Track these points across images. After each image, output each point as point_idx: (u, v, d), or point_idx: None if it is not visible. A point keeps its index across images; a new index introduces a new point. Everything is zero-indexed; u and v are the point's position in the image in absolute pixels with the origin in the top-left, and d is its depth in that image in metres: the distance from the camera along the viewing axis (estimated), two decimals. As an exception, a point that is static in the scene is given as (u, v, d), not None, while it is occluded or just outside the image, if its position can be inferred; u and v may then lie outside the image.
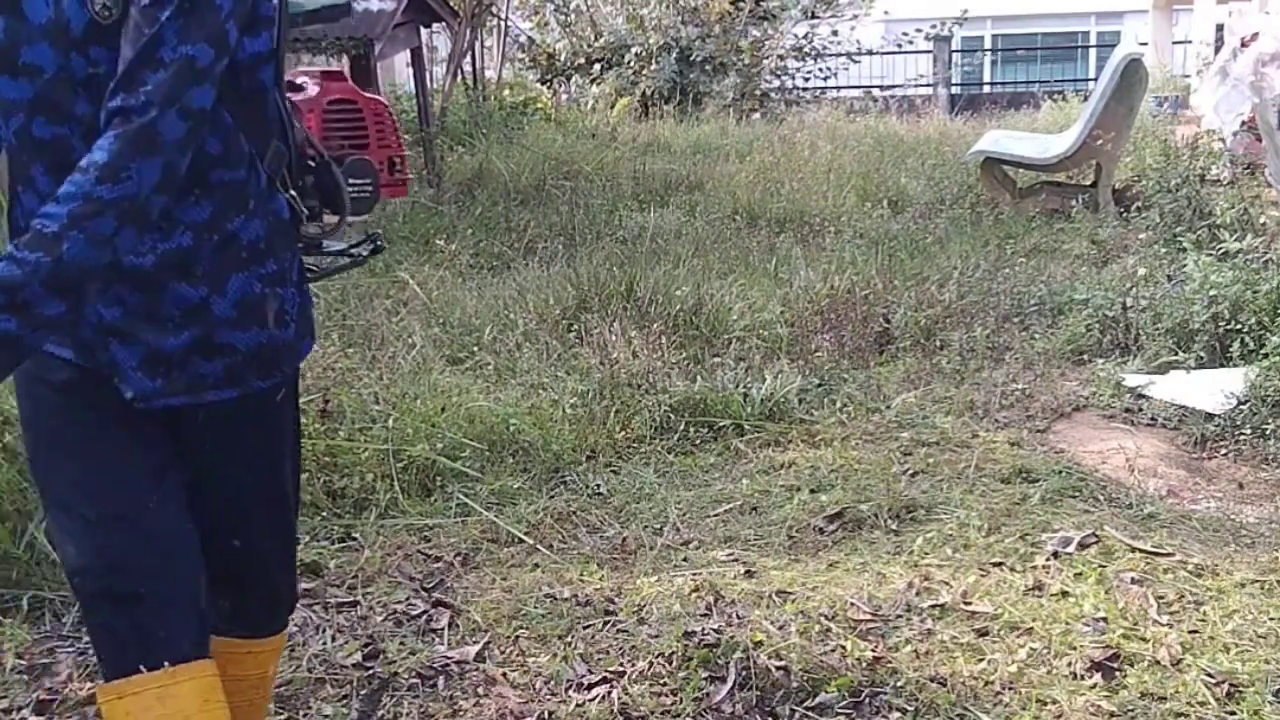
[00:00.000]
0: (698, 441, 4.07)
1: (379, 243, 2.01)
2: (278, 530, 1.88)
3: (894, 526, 3.31)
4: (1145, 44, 14.03)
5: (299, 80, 1.90)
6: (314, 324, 1.85)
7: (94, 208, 1.42)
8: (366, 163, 2.00)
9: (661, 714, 2.41)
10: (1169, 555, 2.99)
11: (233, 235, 1.64)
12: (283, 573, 1.91)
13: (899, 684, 2.46)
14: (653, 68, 14.12)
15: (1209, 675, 2.44)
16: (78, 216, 1.42)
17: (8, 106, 1.57)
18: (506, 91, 13.44)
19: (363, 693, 2.53)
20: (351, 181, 1.90)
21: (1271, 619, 2.66)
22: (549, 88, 15.22)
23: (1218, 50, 10.55)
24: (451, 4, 11.12)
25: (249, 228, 1.66)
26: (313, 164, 1.84)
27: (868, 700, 2.43)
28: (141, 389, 1.63)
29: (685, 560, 3.17)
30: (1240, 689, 2.39)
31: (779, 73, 15.02)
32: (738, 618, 2.73)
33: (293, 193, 1.75)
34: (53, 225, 1.41)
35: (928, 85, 17.24)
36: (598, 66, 14.99)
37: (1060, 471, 3.64)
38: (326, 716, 2.44)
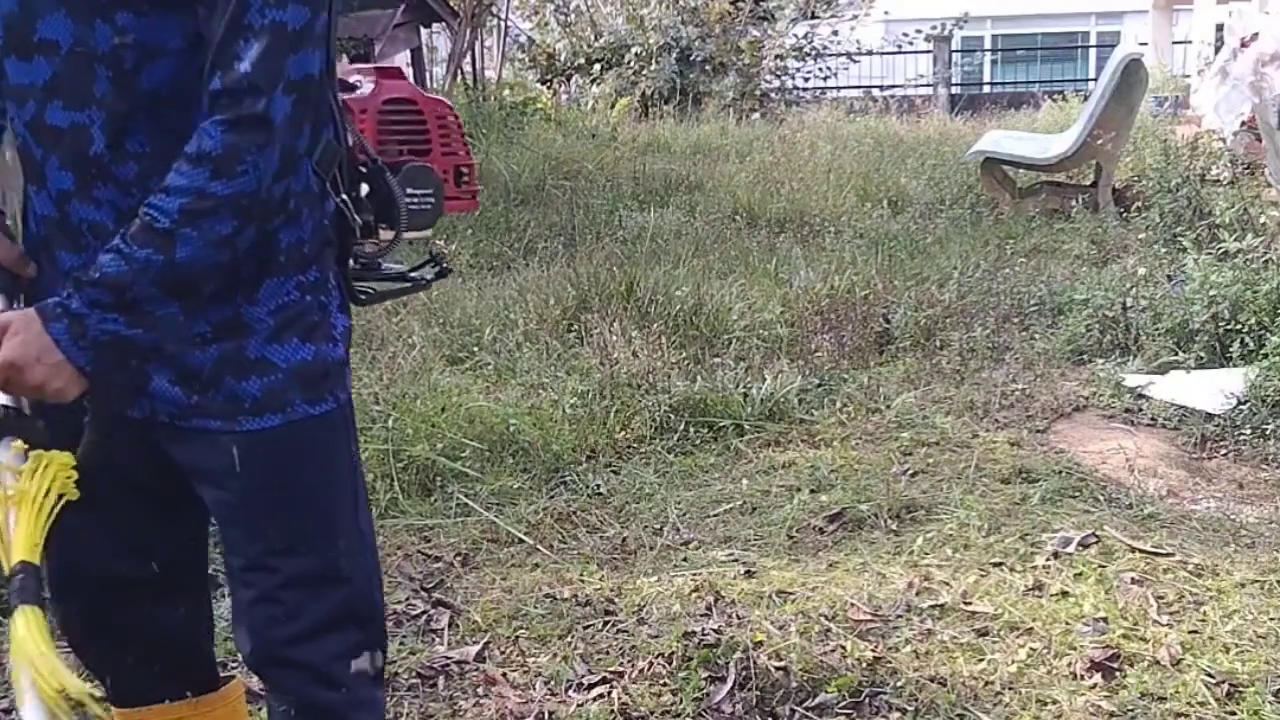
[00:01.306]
0: (698, 441, 4.06)
1: (444, 264, 1.83)
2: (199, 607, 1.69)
3: (894, 526, 3.31)
4: (1145, 44, 14.04)
5: (351, 78, 1.75)
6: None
7: (209, 205, 1.30)
8: (427, 171, 1.77)
9: (661, 714, 2.41)
10: (1169, 555, 2.99)
11: (270, 237, 1.43)
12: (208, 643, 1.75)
13: (899, 684, 2.46)
14: (653, 68, 14.13)
15: (1209, 675, 2.44)
16: (191, 214, 1.30)
17: (20, 93, 1.40)
18: (506, 91, 13.42)
19: (363, 693, 2.53)
20: (409, 192, 1.69)
21: (1271, 619, 2.66)
22: (549, 88, 15.22)
23: (1218, 50, 10.55)
24: (451, 4, 11.13)
25: (290, 230, 1.45)
26: (364, 170, 1.62)
27: (868, 700, 2.43)
28: (176, 403, 1.45)
29: (685, 560, 3.17)
30: (1240, 689, 2.39)
31: (779, 73, 15.02)
32: (738, 618, 2.73)
33: (344, 197, 1.55)
34: (164, 221, 1.30)
35: (928, 85, 17.23)
36: (598, 66, 14.99)
37: (1060, 471, 3.64)
38: (326, 716, 2.44)
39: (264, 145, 1.31)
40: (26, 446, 1.37)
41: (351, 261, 1.61)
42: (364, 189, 1.60)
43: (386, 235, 1.65)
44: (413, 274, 1.77)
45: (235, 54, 1.30)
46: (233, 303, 1.43)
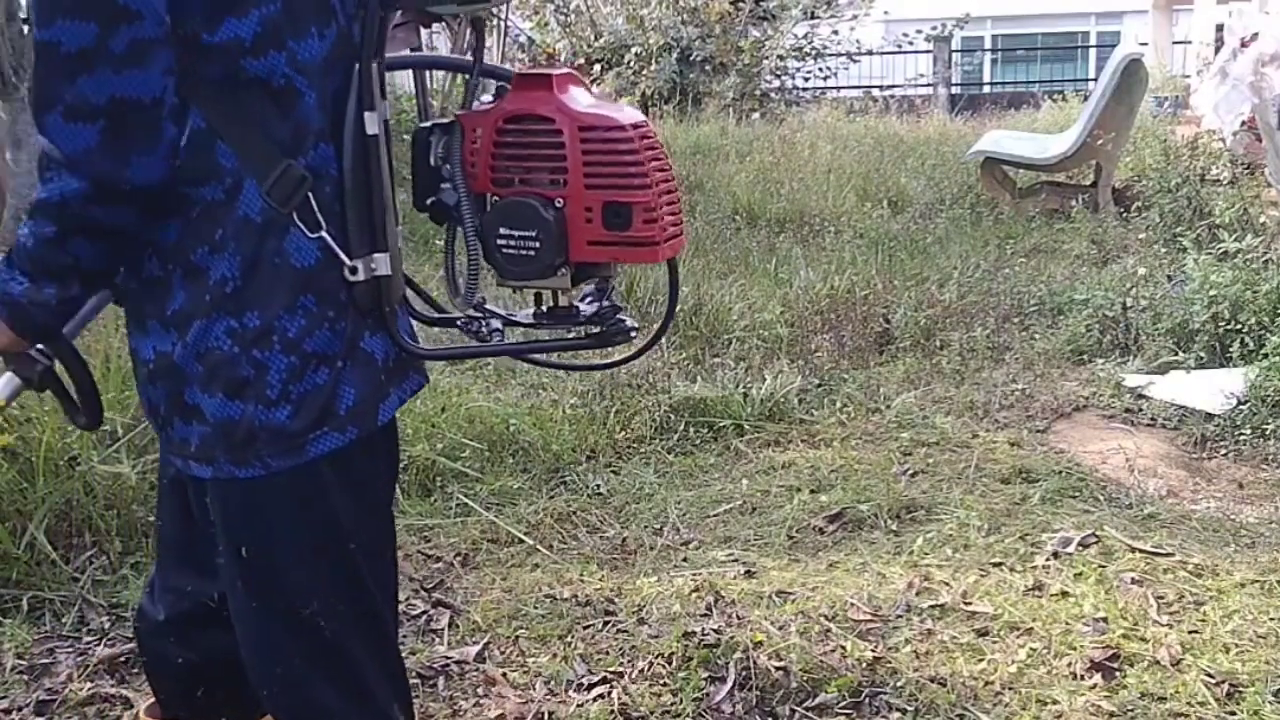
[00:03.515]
0: (698, 441, 4.06)
1: (619, 319, 1.53)
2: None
3: (894, 526, 3.31)
4: (1145, 44, 14.02)
5: (491, 94, 1.50)
6: (364, 417, 1.44)
7: (36, 203, 1.31)
8: (528, 208, 1.45)
9: (661, 714, 2.41)
10: (1169, 555, 2.99)
11: (198, 269, 1.34)
12: None
13: (899, 684, 2.46)
14: (653, 68, 14.12)
15: (1209, 675, 2.44)
16: (33, 206, 1.32)
17: None
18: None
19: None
20: (503, 232, 1.47)
21: (1271, 619, 2.66)
22: (549, 88, 15.16)
23: (1218, 50, 10.55)
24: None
25: (217, 264, 1.33)
26: (432, 205, 1.50)
27: (868, 700, 2.43)
28: (167, 439, 1.46)
29: (685, 560, 3.17)
30: (1240, 689, 2.39)
31: (779, 73, 15.01)
32: (738, 618, 2.72)
33: (325, 234, 1.36)
34: (30, 204, 1.33)
35: (928, 85, 17.22)
36: (598, 67, 14.98)
37: (1060, 471, 3.65)
38: (326, 716, 2.44)
39: (61, 165, 1.26)
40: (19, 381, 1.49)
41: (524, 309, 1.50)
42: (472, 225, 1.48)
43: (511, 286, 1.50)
44: (582, 336, 1.54)
45: (31, 70, 1.29)
46: (168, 336, 1.38)
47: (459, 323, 1.58)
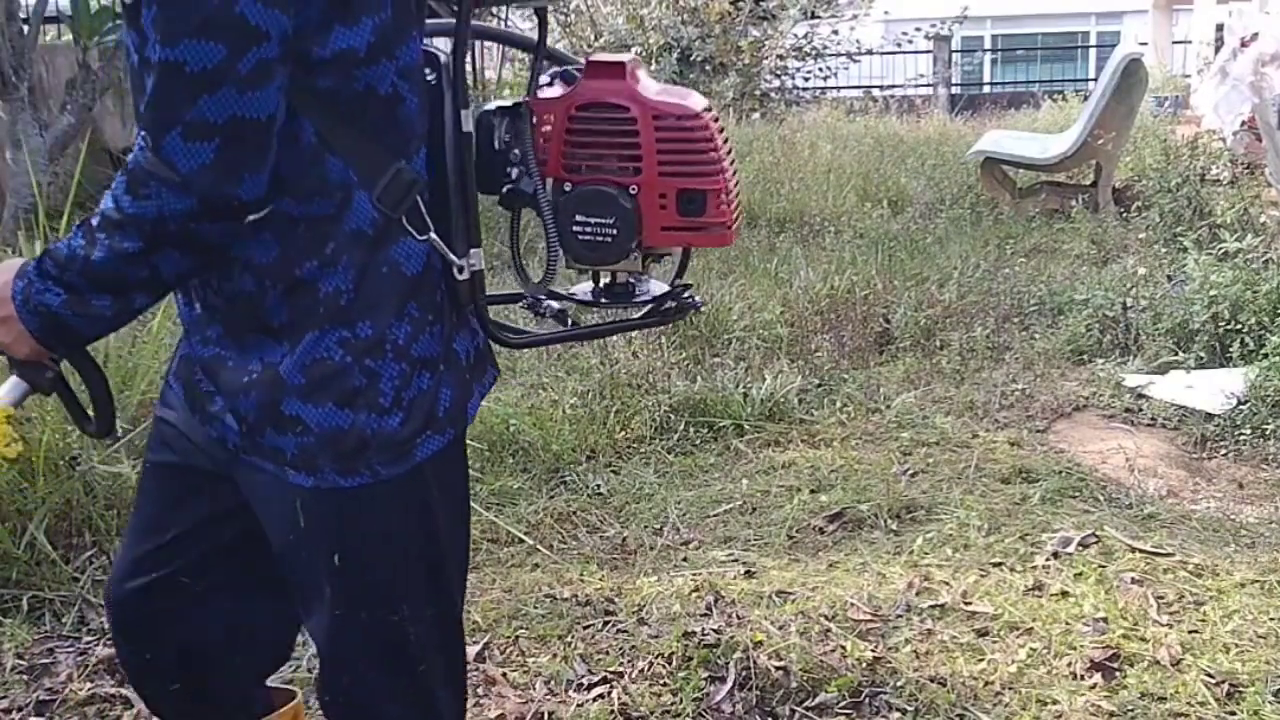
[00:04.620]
0: (698, 441, 4.07)
1: (687, 297, 1.58)
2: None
3: (894, 526, 3.31)
4: (1145, 44, 14.03)
5: (547, 76, 1.51)
6: (460, 416, 1.45)
7: (118, 218, 1.26)
8: (605, 195, 1.47)
9: (661, 714, 2.41)
10: (1169, 555, 2.99)
11: (305, 283, 1.33)
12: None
13: (899, 684, 2.46)
14: (653, 68, 14.12)
15: (1209, 675, 2.44)
16: (106, 221, 1.27)
17: None
18: (506, 91, 13.43)
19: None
20: (578, 220, 1.49)
21: (1271, 619, 2.66)
22: (549, 88, 15.18)
23: (1218, 50, 10.55)
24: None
25: (328, 278, 1.33)
26: (528, 194, 1.50)
27: (868, 700, 2.43)
28: (233, 440, 1.41)
29: (685, 560, 3.17)
30: (1240, 689, 2.39)
31: (779, 73, 15.01)
32: (738, 618, 2.73)
33: (432, 236, 1.37)
34: (95, 219, 1.29)
35: (928, 85, 17.22)
36: (598, 66, 14.97)
37: (1060, 471, 3.65)
38: (326, 716, 2.44)
39: (170, 183, 1.23)
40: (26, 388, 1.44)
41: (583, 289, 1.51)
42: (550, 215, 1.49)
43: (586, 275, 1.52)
44: (662, 305, 1.57)
45: (144, 86, 1.24)
46: (279, 348, 1.36)
47: (524, 304, 1.60)
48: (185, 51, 1.19)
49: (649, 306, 1.59)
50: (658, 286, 1.60)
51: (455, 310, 1.44)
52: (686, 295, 1.60)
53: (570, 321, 1.60)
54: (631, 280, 1.57)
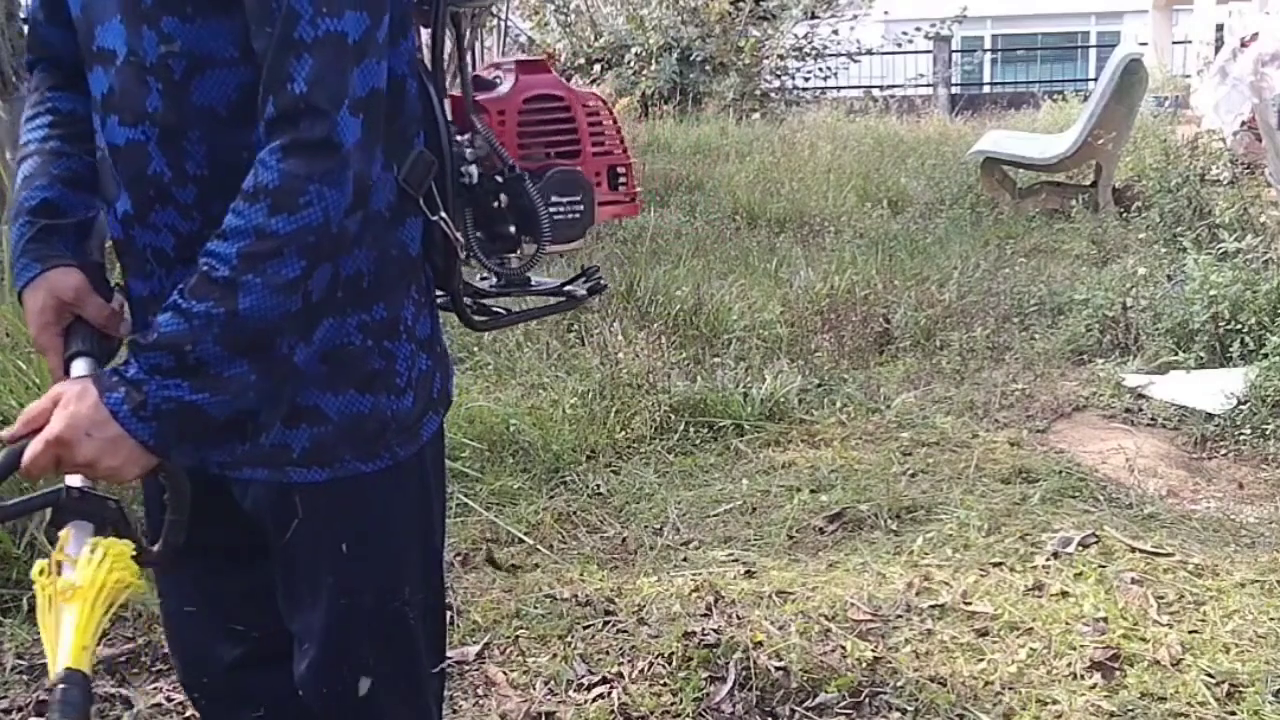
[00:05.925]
0: (698, 441, 4.07)
1: (598, 279, 1.69)
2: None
3: (894, 526, 3.31)
4: (1145, 44, 14.05)
5: (490, 75, 1.56)
6: (446, 397, 1.47)
7: (270, 245, 1.14)
8: (574, 176, 1.60)
9: (661, 714, 2.41)
10: (1169, 555, 2.99)
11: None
12: None
13: (899, 684, 2.46)
14: (653, 68, 14.12)
15: (1209, 675, 2.44)
16: (251, 257, 1.14)
17: (94, 107, 1.30)
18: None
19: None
20: (554, 200, 1.56)
21: (1271, 619, 2.66)
22: (549, 88, 15.16)
23: (1218, 50, 10.55)
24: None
25: (348, 260, 1.27)
26: (500, 180, 1.50)
27: (868, 700, 2.43)
28: (226, 451, 1.33)
29: (685, 560, 3.17)
30: (1240, 689, 2.39)
31: (779, 73, 15.02)
32: (738, 618, 2.72)
33: (443, 215, 1.38)
34: (222, 268, 1.15)
35: (928, 85, 17.23)
36: (598, 66, 14.98)
37: (1060, 471, 3.65)
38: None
39: (332, 173, 1.16)
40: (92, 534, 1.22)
41: (488, 280, 1.55)
42: (503, 200, 1.50)
43: (529, 249, 1.56)
44: (565, 287, 1.65)
45: (288, 73, 1.15)
46: (288, 340, 1.27)
47: (493, 287, 1.66)
48: (349, 22, 1.17)
49: (572, 284, 1.68)
50: (547, 278, 1.72)
51: (431, 292, 1.47)
52: (596, 278, 1.73)
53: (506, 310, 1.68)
54: (525, 272, 1.65)
